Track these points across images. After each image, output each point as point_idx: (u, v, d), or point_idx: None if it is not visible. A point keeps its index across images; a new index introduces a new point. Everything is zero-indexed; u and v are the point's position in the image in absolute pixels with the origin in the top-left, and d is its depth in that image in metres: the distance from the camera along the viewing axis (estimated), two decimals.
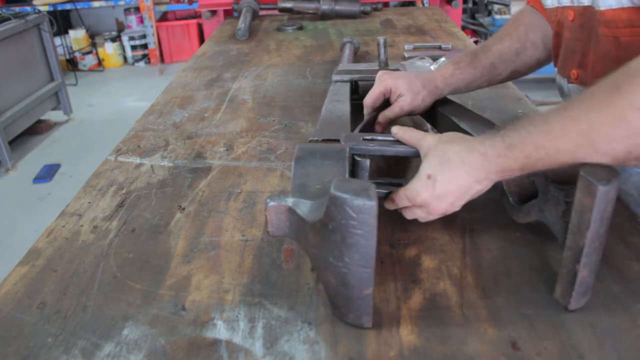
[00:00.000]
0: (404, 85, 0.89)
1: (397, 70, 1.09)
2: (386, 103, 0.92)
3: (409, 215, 0.69)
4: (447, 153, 0.64)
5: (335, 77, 1.14)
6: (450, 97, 0.95)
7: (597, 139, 0.54)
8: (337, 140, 0.77)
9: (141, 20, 5.14)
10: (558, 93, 0.90)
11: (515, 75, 0.94)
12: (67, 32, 5.00)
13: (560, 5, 0.82)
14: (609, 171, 0.54)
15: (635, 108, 0.51)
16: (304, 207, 0.59)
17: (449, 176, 0.63)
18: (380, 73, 0.93)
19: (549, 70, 0.92)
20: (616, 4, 0.69)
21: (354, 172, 0.74)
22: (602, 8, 0.71)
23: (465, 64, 0.91)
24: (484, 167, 0.62)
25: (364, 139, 0.75)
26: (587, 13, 0.76)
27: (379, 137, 0.76)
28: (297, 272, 0.68)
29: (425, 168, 0.65)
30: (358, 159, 0.73)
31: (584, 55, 0.78)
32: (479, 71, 0.91)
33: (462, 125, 0.82)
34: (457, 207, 0.66)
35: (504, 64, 0.91)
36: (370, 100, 0.91)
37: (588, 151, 0.55)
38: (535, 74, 0.96)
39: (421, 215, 0.68)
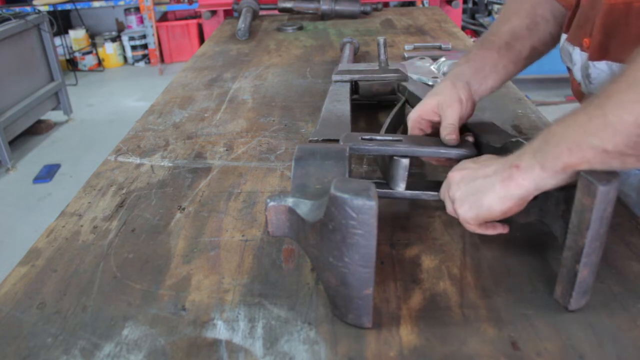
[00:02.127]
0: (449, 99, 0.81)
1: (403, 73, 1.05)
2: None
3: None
4: (476, 182, 0.64)
5: (335, 77, 1.14)
6: None
7: (609, 108, 0.52)
8: (337, 141, 0.77)
9: (141, 21, 5.14)
10: (565, 60, 0.87)
11: (535, 53, 0.89)
12: (67, 32, 5.00)
13: None
14: (609, 171, 0.54)
15: None
16: (304, 207, 0.59)
17: (474, 206, 0.64)
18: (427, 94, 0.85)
19: (549, 70, 0.91)
20: None
21: (389, 172, 0.74)
22: None
23: (476, 51, 0.86)
24: (510, 189, 0.61)
25: (362, 139, 0.75)
26: None
27: (378, 137, 0.76)
28: (297, 272, 0.68)
29: (452, 194, 0.66)
30: (397, 158, 0.73)
31: (595, 24, 0.76)
32: (494, 51, 0.85)
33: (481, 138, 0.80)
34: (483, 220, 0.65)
35: (520, 42, 0.86)
36: (411, 129, 0.83)
37: (601, 122, 0.53)
38: (536, 74, 0.96)
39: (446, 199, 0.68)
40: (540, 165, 0.57)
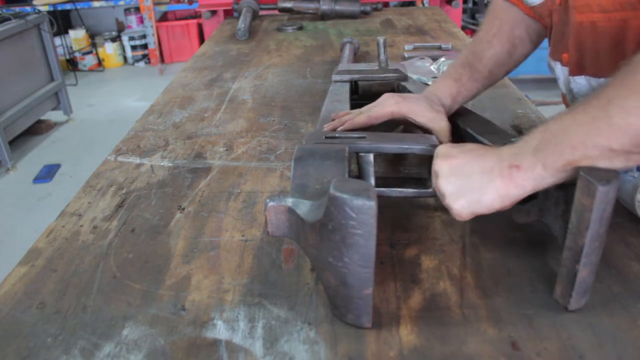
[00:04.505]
0: (422, 111, 0.85)
1: (401, 84, 1.06)
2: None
3: None
4: (470, 177, 0.63)
5: (335, 77, 1.14)
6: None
7: (614, 112, 0.54)
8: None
9: (141, 20, 5.14)
10: (551, 73, 0.90)
11: (506, 74, 0.95)
12: (67, 32, 5.00)
13: None
14: (609, 171, 0.54)
15: None
16: (304, 207, 0.59)
17: (471, 199, 0.63)
18: (386, 96, 0.88)
19: (549, 71, 0.92)
20: None
21: (359, 168, 0.75)
22: None
23: (466, 80, 0.90)
24: (512, 179, 0.61)
25: (326, 137, 0.77)
26: None
27: (342, 135, 0.77)
28: (297, 272, 0.68)
29: (442, 187, 0.64)
30: (362, 154, 0.74)
31: (569, 41, 0.79)
32: (480, 83, 0.91)
33: (481, 138, 0.81)
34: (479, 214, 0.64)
35: (500, 69, 0.91)
36: (374, 119, 0.85)
37: (605, 124, 0.54)
38: (536, 74, 0.97)
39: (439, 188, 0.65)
40: (542, 164, 0.57)
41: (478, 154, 0.63)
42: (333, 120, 0.88)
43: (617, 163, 0.55)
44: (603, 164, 0.55)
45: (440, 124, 0.84)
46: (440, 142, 0.80)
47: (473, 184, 0.61)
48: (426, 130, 0.85)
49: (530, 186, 0.59)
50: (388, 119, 0.86)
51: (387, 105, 0.85)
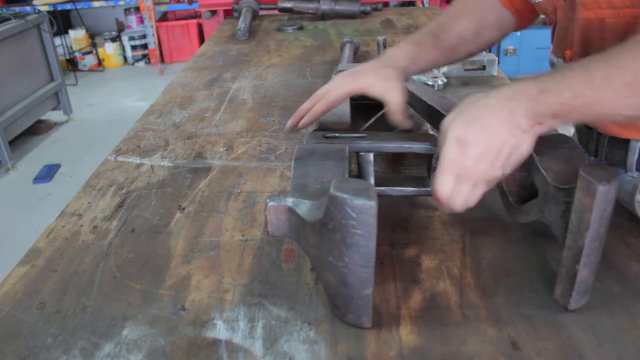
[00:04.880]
0: (375, 82, 0.82)
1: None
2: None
3: (456, 199, 0.62)
4: (471, 111, 0.61)
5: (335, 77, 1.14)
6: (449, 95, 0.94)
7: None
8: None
9: (141, 20, 5.14)
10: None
11: (468, 56, 0.93)
12: (67, 32, 5.00)
13: None
14: (609, 171, 0.54)
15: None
16: (304, 207, 0.59)
17: (479, 131, 0.59)
18: (340, 76, 0.85)
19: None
20: None
21: (359, 168, 0.75)
22: None
23: (428, 45, 0.88)
24: (513, 114, 0.58)
25: (326, 137, 0.77)
26: None
27: (342, 135, 0.77)
28: (297, 272, 0.68)
29: (452, 133, 0.61)
30: (362, 153, 0.74)
31: (574, 38, 0.78)
32: (441, 53, 0.88)
33: None
34: (497, 168, 0.60)
35: (464, 46, 0.89)
36: (333, 103, 0.83)
37: (631, 102, 0.55)
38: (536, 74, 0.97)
39: (466, 190, 0.61)
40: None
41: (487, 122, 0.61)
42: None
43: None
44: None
45: (392, 94, 0.80)
46: (396, 114, 0.80)
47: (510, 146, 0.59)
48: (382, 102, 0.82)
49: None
50: (347, 97, 0.83)
51: (341, 86, 0.83)
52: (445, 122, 0.63)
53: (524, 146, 0.61)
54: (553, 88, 0.57)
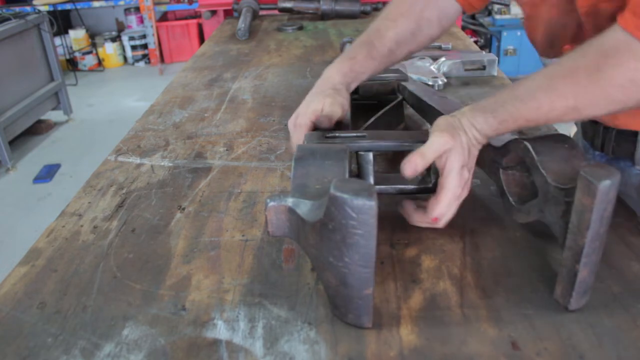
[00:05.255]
0: (331, 106, 0.83)
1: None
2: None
3: (447, 218, 0.69)
4: (462, 137, 0.68)
5: None
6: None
7: (584, 111, 0.63)
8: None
9: (141, 20, 5.14)
10: None
11: (409, 55, 0.94)
12: (67, 32, 5.01)
13: None
14: (609, 171, 0.54)
15: (616, 85, 0.59)
16: (304, 207, 0.59)
17: (473, 158, 0.69)
18: (303, 104, 0.86)
19: None
20: None
21: (359, 167, 0.75)
22: None
23: (362, 57, 0.89)
24: (477, 141, 0.68)
25: (326, 137, 0.77)
26: None
27: (342, 134, 0.77)
28: (297, 272, 0.68)
29: (457, 163, 0.67)
30: (361, 153, 0.74)
31: (580, 27, 0.77)
32: (377, 61, 0.89)
33: None
34: (467, 170, 0.68)
35: (401, 48, 0.90)
36: (302, 134, 0.82)
37: (574, 116, 0.66)
38: None
39: (455, 208, 0.68)
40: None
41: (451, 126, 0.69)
42: None
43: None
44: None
45: (334, 108, 0.82)
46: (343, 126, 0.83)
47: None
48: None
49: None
50: (312, 125, 0.82)
51: (303, 119, 0.82)
52: (440, 149, 0.67)
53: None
54: (509, 118, 0.66)
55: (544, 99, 0.63)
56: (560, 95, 0.62)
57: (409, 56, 0.94)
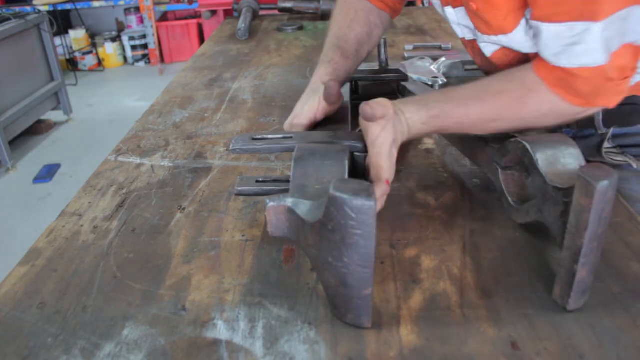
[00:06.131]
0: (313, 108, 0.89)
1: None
2: None
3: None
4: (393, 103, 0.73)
5: None
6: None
7: (502, 124, 0.75)
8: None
9: (141, 20, 5.14)
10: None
11: (367, 54, 1.04)
12: (67, 32, 5.00)
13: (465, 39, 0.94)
14: (607, 171, 0.54)
15: (534, 112, 0.73)
16: (304, 208, 0.59)
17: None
18: (298, 106, 0.92)
19: None
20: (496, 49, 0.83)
21: (354, 169, 0.75)
22: (489, 55, 0.85)
23: (338, 58, 0.98)
24: (401, 132, 0.72)
25: (253, 139, 0.77)
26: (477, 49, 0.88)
27: (269, 136, 0.78)
28: (297, 272, 0.68)
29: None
30: (357, 153, 0.74)
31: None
32: (350, 60, 0.99)
33: None
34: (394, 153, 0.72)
35: (362, 48, 1.01)
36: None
37: (494, 127, 0.75)
38: None
39: (387, 147, 0.71)
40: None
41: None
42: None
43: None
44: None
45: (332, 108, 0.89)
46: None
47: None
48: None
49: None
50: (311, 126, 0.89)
51: (300, 120, 0.87)
52: (390, 108, 0.72)
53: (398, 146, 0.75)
54: (440, 115, 0.74)
55: (474, 108, 0.73)
56: (488, 109, 0.73)
57: (368, 55, 1.05)
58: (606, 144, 0.87)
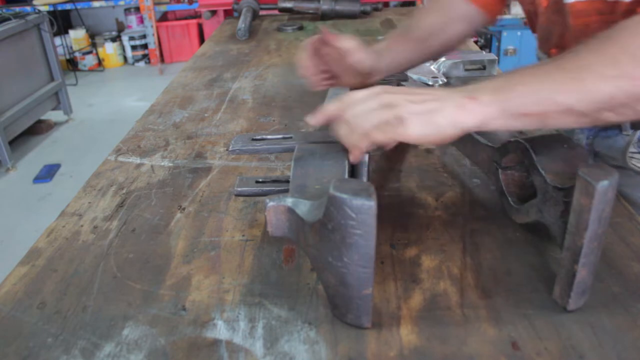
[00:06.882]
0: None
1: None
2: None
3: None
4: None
5: None
6: None
7: (589, 77, 0.57)
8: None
9: (141, 20, 5.14)
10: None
11: (443, 50, 1.02)
12: (67, 32, 5.01)
13: None
14: (607, 171, 0.54)
15: (628, 53, 0.56)
16: (303, 208, 0.59)
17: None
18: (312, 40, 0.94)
19: None
20: None
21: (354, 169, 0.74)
22: (569, 1, 0.76)
23: (398, 38, 0.97)
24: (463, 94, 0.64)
25: (253, 139, 0.77)
26: (559, 2, 0.79)
27: (268, 137, 0.78)
28: (297, 272, 0.68)
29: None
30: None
31: (561, 37, 0.83)
32: (411, 44, 0.96)
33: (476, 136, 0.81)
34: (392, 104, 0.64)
35: (432, 38, 0.97)
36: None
37: (577, 86, 0.57)
38: None
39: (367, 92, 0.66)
40: (500, 104, 0.58)
41: (429, 90, 0.64)
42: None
43: (568, 122, 0.58)
44: (556, 121, 0.58)
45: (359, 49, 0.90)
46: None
47: (429, 108, 0.59)
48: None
49: (477, 119, 0.58)
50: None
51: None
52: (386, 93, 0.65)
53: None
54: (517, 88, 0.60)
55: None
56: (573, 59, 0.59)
57: (441, 52, 1.02)
58: (631, 148, 0.81)
